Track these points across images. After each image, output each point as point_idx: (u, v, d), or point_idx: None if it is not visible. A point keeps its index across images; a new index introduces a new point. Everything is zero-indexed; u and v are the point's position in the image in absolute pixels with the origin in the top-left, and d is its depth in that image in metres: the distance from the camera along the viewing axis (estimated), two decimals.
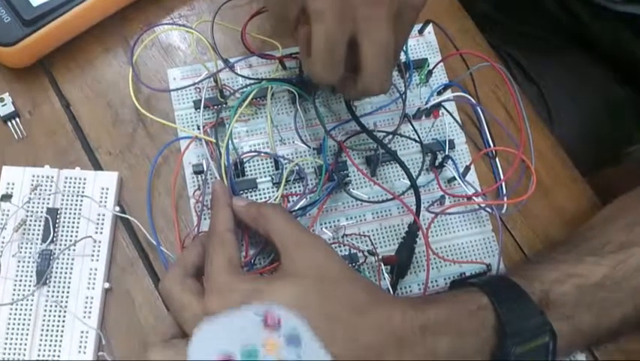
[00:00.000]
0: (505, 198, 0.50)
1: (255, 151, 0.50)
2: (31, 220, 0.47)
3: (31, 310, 0.45)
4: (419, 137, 0.51)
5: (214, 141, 0.48)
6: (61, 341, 0.44)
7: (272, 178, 0.49)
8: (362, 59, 0.40)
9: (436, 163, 0.50)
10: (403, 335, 0.37)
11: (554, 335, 0.38)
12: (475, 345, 0.38)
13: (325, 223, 0.49)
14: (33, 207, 0.47)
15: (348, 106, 0.49)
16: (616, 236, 0.43)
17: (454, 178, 0.50)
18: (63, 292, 0.45)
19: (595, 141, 0.67)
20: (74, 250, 0.46)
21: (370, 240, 0.48)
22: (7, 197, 0.47)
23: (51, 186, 0.48)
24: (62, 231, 0.47)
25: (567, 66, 0.69)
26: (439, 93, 0.53)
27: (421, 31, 0.54)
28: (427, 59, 0.53)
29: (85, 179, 0.48)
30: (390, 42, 0.40)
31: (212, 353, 0.31)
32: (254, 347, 0.32)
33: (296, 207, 0.47)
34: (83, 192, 0.48)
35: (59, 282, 0.46)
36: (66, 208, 0.47)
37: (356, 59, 0.40)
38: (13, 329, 0.44)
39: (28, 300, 0.45)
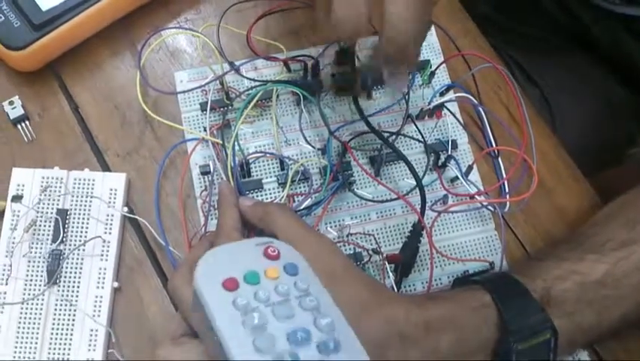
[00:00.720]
0: (508, 197, 0.50)
1: (260, 152, 0.51)
2: (41, 221, 0.47)
3: (41, 309, 0.46)
4: (423, 137, 0.51)
5: (220, 142, 0.49)
6: (71, 339, 0.45)
7: (277, 178, 0.50)
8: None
9: (439, 163, 0.51)
10: (407, 331, 0.38)
11: (555, 331, 0.39)
12: (477, 342, 0.39)
13: (330, 222, 0.49)
14: (43, 208, 0.48)
15: (356, 105, 0.49)
16: (617, 234, 0.43)
17: (456, 178, 0.51)
18: (73, 291, 0.46)
19: (596, 141, 0.68)
20: (84, 250, 0.47)
21: (375, 239, 0.49)
22: (17, 198, 0.48)
23: (60, 187, 0.48)
24: (72, 231, 0.48)
25: (568, 67, 0.70)
26: (442, 94, 0.53)
27: None
28: (429, 61, 0.54)
29: (94, 180, 0.49)
30: None
31: (218, 276, 0.33)
32: (256, 272, 0.34)
33: (301, 207, 0.48)
34: (92, 193, 0.49)
35: (69, 281, 0.46)
36: (75, 209, 0.48)
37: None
38: (23, 327, 0.45)
39: (38, 299, 0.46)
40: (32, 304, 0.46)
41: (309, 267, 0.36)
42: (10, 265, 0.46)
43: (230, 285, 0.33)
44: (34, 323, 0.45)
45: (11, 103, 0.51)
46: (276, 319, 0.32)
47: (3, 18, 0.50)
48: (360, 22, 0.38)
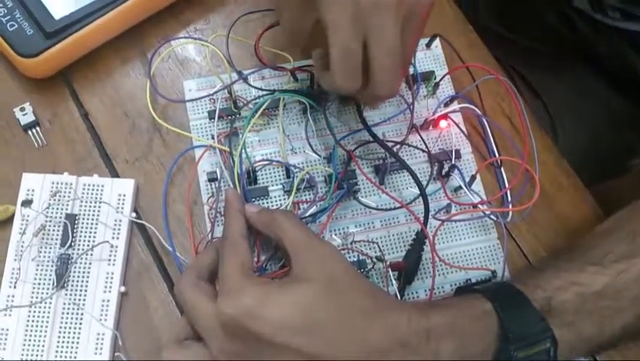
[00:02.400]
0: (510, 207, 0.51)
1: (267, 160, 0.51)
2: (50, 225, 0.48)
3: (49, 312, 0.46)
4: (427, 146, 0.52)
5: (228, 150, 0.50)
6: (78, 342, 0.46)
7: (283, 186, 0.51)
8: (371, 63, 0.41)
9: (443, 172, 0.51)
10: (409, 338, 0.38)
11: (555, 341, 0.39)
12: (478, 350, 0.39)
13: (335, 230, 0.50)
14: (52, 212, 0.48)
15: (360, 116, 0.50)
16: (618, 246, 0.44)
17: (460, 187, 0.51)
18: (80, 295, 0.47)
19: (598, 153, 0.68)
20: (92, 254, 0.48)
21: (379, 246, 0.49)
22: (27, 203, 0.49)
23: (70, 192, 0.49)
24: (80, 236, 0.48)
25: (570, 79, 0.70)
26: (446, 105, 0.54)
27: (428, 45, 0.56)
28: (434, 72, 0.54)
29: (102, 186, 0.50)
30: (398, 44, 0.41)
31: None
32: None
33: (306, 214, 0.48)
34: (100, 198, 0.49)
35: (77, 285, 0.47)
36: (84, 214, 0.49)
37: (366, 63, 0.42)
38: (31, 330, 0.46)
39: (46, 302, 0.46)
40: (40, 307, 0.46)
41: None
42: (19, 269, 0.47)
43: None
44: (41, 326, 0.46)
45: (22, 109, 0.52)
46: None
47: (16, 26, 0.51)
48: (355, 87, 0.43)
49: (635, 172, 0.69)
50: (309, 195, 0.50)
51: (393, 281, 0.47)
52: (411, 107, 0.52)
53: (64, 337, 0.46)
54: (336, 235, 0.50)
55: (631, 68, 0.67)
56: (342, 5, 0.40)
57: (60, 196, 0.49)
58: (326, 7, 0.40)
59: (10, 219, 0.49)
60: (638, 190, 0.49)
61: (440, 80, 0.54)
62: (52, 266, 0.47)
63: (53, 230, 0.48)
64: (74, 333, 0.46)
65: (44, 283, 0.47)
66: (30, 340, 0.46)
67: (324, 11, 0.40)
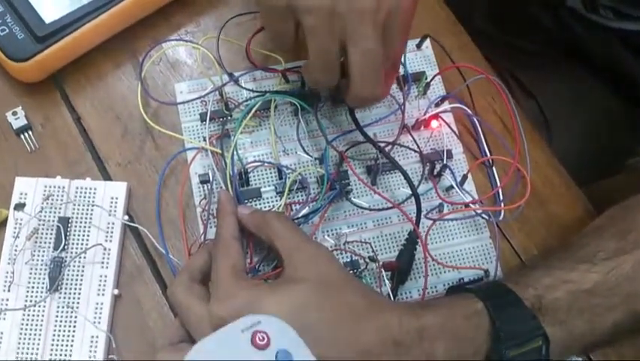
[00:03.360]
0: (502, 205, 0.51)
1: (259, 161, 0.52)
2: (43, 229, 0.48)
3: (43, 315, 0.46)
4: (418, 147, 0.52)
5: (220, 151, 0.50)
6: (72, 345, 0.46)
7: (275, 187, 0.51)
8: (350, 67, 0.43)
9: (435, 172, 0.52)
10: (401, 338, 0.38)
11: (547, 339, 0.39)
12: (470, 349, 0.39)
13: (327, 231, 0.50)
14: (45, 216, 0.49)
15: (352, 116, 0.50)
16: (608, 244, 0.44)
17: (451, 187, 0.51)
18: (74, 298, 0.47)
19: (592, 152, 0.68)
20: (85, 257, 0.48)
21: (371, 247, 0.49)
22: (20, 206, 0.49)
23: (62, 196, 0.49)
24: (73, 239, 0.48)
25: (564, 80, 0.71)
26: (437, 105, 0.54)
27: (419, 46, 0.56)
28: (424, 72, 0.55)
29: (95, 189, 0.50)
30: (376, 50, 0.42)
31: None
32: None
33: (299, 215, 0.48)
34: (93, 201, 0.49)
35: (70, 288, 0.47)
36: (77, 217, 0.49)
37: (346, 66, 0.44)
38: (25, 333, 0.46)
39: (40, 306, 0.46)
40: (34, 310, 0.46)
41: (304, 346, 0.34)
42: (13, 272, 0.47)
43: None
44: (35, 329, 0.46)
45: (14, 113, 0.52)
46: None
47: (7, 30, 0.51)
48: (332, 82, 0.45)
49: (629, 171, 0.69)
50: (302, 196, 0.51)
51: (386, 281, 0.47)
52: (402, 107, 0.53)
53: (58, 340, 0.46)
54: (328, 235, 0.50)
55: (624, 67, 0.67)
56: (319, 10, 0.41)
57: (53, 200, 0.49)
58: (304, 11, 0.42)
59: (3, 223, 0.49)
60: (631, 189, 0.49)
61: (431, 80, 0.54)
62: (45, 269, 0.47)
63: (46, 233, 0.48)
64: (68, 336, 0.46)
65: (38, 287, 0.47)
66: (24, 343, 0.46)
67: (302, 16, 0.42)
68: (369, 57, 0.42)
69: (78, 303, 0.47)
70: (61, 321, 0.46)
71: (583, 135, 0.69)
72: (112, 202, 0.49)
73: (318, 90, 0.52)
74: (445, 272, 0.50)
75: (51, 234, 0.48)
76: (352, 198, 0.51)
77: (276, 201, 0.51)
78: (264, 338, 0.33)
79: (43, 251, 0.48)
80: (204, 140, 0.51)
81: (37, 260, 0.47)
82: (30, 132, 0.52)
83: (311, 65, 0.44)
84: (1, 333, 0.46)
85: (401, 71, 0.54)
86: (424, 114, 0.53)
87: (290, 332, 0.35)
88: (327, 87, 0.46)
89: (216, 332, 0.35)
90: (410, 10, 0.43)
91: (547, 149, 0.55)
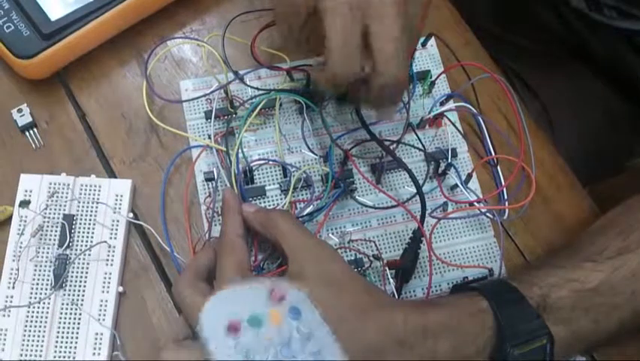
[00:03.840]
0: (507, 204, 0.51)
1: (263, 159, 0.52)
2: (48, 226, 0.48)
3: (47, 312, 0.46)
4: (423, 145, 0.52)
5: (224, 149, 0.50)
6: (76, 342, 0.46)
7: (280, 185, 0.51)
8: (375, 48, 0.41)
9: (439, 171, 0.52)
10: (405, 336, 0.38)
11: (552, 337, 0.39)
12: (474, 347, 0.40)
13: (332, 229, 0.50)
14: (50, 213, 0.49)
15: (358, 114, 0.50)
16: (613, 243, 0.44)
17: (456, 185, 0.51)
18: (78, 295, 0.47)
19: (595, 152, 0.68)
20: (89, 254, 0.48)
21: (375, 245, 0.49)
22: (25, 203, 0.49)
23: (67, 193, 0.49)
24: (78, 236, 0.48)
25: (568, 79, 0.70)
26: (442, 103, 0.54)
27: (424, 44, 0.56)
28: (429, 71, 0.55)
29: (100, 186, 0.50)
30: (401, 28, 0.41)
31: (222, 319, 0.34)
32: (260, 315, 0.34)
33: (303, 214, 0.49)
34: (98, 199, 0.49)
35: (75, 285, 0.47)
36: (82, 214, 0.49)
37: (369, 54, 0.42)
38: (30, 330, 0.46)
39: (44, 303, 0.47)
40: (38, 307, 0.47)
41: (314, 309, 0.36)
42: (18, 269, 0.47)
43: (234, 328, 0.34)
44: (40, 326, 0.46)
45: (20, 110, 0.52)
46: None
47: (13, 27, 0.51)
48: (353, 72, 0.42)
49: (633, 171, 0.69)
50: (306, 194, 0.51)
51: (391, 280, 0.47)
52: (407, 106, 0.53)
53: (62, 337, 0.46)
54: (333, 233, 0.50)
55: (628, 67, 0.67)
56: None
57: (58, 197, 0.49)
58: None
59: (8, 220, 0.49)
60: (635, 188, 0.49)
61: (436, 79, 0.54)
62: (50, 266, 0.47)
63: (51, 231, 0.48)
64: (73, 333, 0.46)
65: (42, 284, 0.47)
66: (28, 340, 0.46)
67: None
68: (394, 36, 0.41)
69: (82, 300, 0.47)
70: (65, 318, 0.46)
71: (586, 135, 0.69)
72: (117, 200, 0.50)
73: (325, 93, 0.52)
74: (449, 271, 0.50)
75: (56, 231, 0.48)
76: (357, 197, 0.51)
77: (281, 199, 0.51)
78: (280, 294, 0.36)
79: (48, 248, 0.48)
80: (209, 138, 0.51)
81: (42, 257, 0.48)
82: (35, 129, 0.52)
83: (331, 51, 0.41)
84: (6, 330, 0.46)
85: None
86: (429, 113, 0.53)
87: (302, 295, 0.37)
88: (344, 82, 0.43)
89: (240, 284, 0.38)
90: None
91: (551, 148, 0.55)
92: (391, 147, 0.51)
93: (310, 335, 0.34)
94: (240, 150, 0.50)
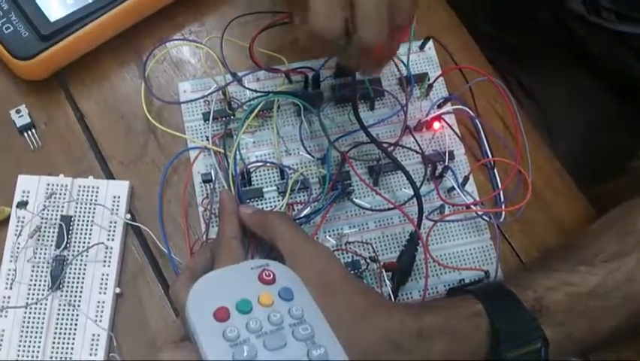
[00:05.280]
0: (503, 207, 0.51)
1: (261, 161, 0.52)
2: (45, 227, 0.48)
3: (44, 313, 0.47)
4: (420, 148, 0.52)
5: (222, 151, 0.50)
6: (73, 343, 0.46)
7: (277, 187, 0.51)
8: (355, 3, 0.40)
9: (436, 173, 0.52)
10: (400, 339, 0.38)
11: (546, 341, 0.39)
12: (469, 349, 0.40)
13: (329, 231, 0.50)
14: (48, 214, 0.49)
15: (356, 116, 0.50)
16: (608, 246, 0.44)
17: (453, 188, 0.51)
18: (76, 296, 0.47)
19: (594, 155, 0.68)
20: (87, 255, 0.48)
21: (372, 247, 0.49)
22: (22, 204, 0.49)
23: (65, 194, 0.49)
24: (75, 237, 0.49)
25: (565, 82, 0.70)
26: (439, 106, 0.54)
27: (421, 47, 0.56)
28: (427, 74, 0.55)
29: (98, 188, 0.50)
30: None
31: (209, 306, 0.33)
32: (248, 300, 0.33)
33: (300, 215, 0.49)
34: (95, 200, 0.49)
35: (72, 286, 0.47)
36: (79, 216, 0.49)
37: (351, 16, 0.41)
38: (27, 330, 0.46)
39: (42, 303, 0.47)
40: (36, 308, 0.47)
41: (306, 291, 0.35)
42: (15, 270, 0.47)
43: (222, 315, 0.33)
44: (37, 327, 0.46)
45: (18, 111, 0.52)
46: (266, 349, 0.32)
47: (12, 28, 0.51)
48: (336, 27, 0.41)
49: (630, 174, 0.69)
50: (304, 196, 0.51)
51: (387, 282, 0.48)
52: (404, 108, 0.53)
53: (59, 338, 0.46)
54: (330, 235, 0.50)
55: (626, 69, 0.67)
56: None
57: (55, 198, 0.49)
58: None
59: (5, 221, 0.49)
60: (633, 192, 0.49)
61: (433, 81, 0.54)
62: (47, 267, 0.47)
63: (49, 232, 0.48)
64: (70, 334, 0.46)
65: (40, 285, 0.47)
66: (26, 341, 0.46)
67: None
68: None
69: (80, 301, 0.47)
70: (62, 319, 0.47)
71: (583, 137, 0.69)
72: (114, 201, 0.50)
73: (316, 49, 0.50)
74: (445, 273, 0.50)
75: (53, 232, 0.48)
76: (354, 199, 0.51)
77: (278, 201, 0.51)
78: (270, 275, 0.35)
79: (46, 249, 0.48)
80: (207, 139, 0.51)
81: (40, 258, 0.48)
82: (33, 130, 0.53)
83: (313, 5, 0.40)
84: (3, 331, 0.46)
85: (404, 71, 0.54)
86: (427, 115, 0.53)
87: (294, 276, 0.36)
88: (327, 38, 0.41)
89: (228, 266, 0.37)
90: None
91: (548, 151, 0.55)
92: (389, 149, 0.51)
93: (302, 317, 0.33)
94: (237, 152, 0.50)
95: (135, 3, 0.53)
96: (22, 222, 0.48)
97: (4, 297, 0.47)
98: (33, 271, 0.47)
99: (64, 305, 0.47)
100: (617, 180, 0.67)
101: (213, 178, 0.50)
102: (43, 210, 0.49)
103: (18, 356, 0.46)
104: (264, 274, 0.35)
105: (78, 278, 0.48)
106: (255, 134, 0.53)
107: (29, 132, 0.52)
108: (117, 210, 0.49)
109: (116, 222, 0.49)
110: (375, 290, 0.46)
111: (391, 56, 0.48)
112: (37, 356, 0.46)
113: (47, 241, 0.48)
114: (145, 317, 0.48)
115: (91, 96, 0.54)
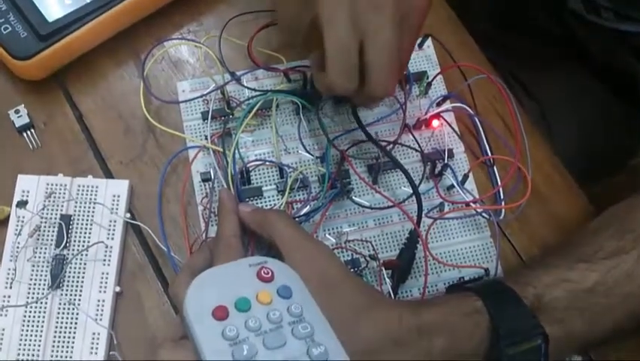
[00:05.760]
0: (503, 204, 0.51)
1: (260, 160, 0.52)
2: (45, 226, 0.48)
3: (44, 312, 0.47)
4: (419, 146, 0.52)
5: (221, 150, 0.50)
6: (73, 342, 0.46)
7: (277, 186, 0.51)
8: (367, 62, 0.42)
9: (436, 171, 0.52)
10: (400, 336, 0.38)
11: (546, 337, 0.39)
12: (469, 346, 0.40)
13: (328, 229, 0.50)
14: (47, 213, 0.49)
15: (355, 115, 0.50)
16: (607, 243, 0.44)
17: (452, 186, 0.51)
18: (76, 295, 0.47)
19: (593, 153, 0.68)
20: (87, 254, 0.48)
21: (372, 245, 0.49)
22: (22, 204, 0.49)
23: (64, 193, 0.49)
24: (75, 236, 0.49)
25: (565, 80, 0.71)
26: (438, 104, 0.54)
27: (420, 45, 0.56)
28: (426, 72, 0.55)
29: (97, 187, 0.50)
30: (394, 45, 0.41)
31: (207, 304, 0.32)
32: (246, 298, 0.33)
33: (300, 214, 0.49)
34: (95, 199, 0.50)
35: (72, 285, 0.47)
36: (79, 215, 0.49)
37: (362, 65, 0.42)
38: (27, 330, 0.46)
39: (41, 302, 0.47)
40: (36, 307, 0.47)
41: (305, 288, 0.35)
42: (15, 269, 0.47)
43: (220, 314, 0.32)
44: (37, 326, 0.46)
45: (17, 111, 0.52)
46: (266, 348, 0.31)
47: (10, 28, 0.51)
48: (351, 85, 0.43)
49: (629, 172, 0.69)
50: (303, 194, 0.51)
51: (387, 280, 0.47)
52: (403, 106, 0.53)
53: (59, 337, 0.46)
54: (329, 234, 0.50)
55: (625, 68, 0.68)
56: (339, 3, 0.40)
57: (55, 197, 0.49)
58: (323, 4, 0.41)
59: (5, 221, 0.49)
60: (632, 189, 0.49)
61: (432, 79, 0.54)
62: (47, 267, 0.47)
63: (48, 231, 0.48)
64: (70, 333, 0.46)
65: (40, 284, 0.47)
66: (26, 340, 0.46)
67: (320, 8, 0.41)
68: (388, 54, 0.41)
69: (80, 300, 0.47)
70: (62, 318, 0.47)
71: (583, 135, 0.69)
72: (114, 200, 0.50)
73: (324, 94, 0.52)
74: (445, 271, 0.50)
75: (53, 231, 0.48)
76: (353, 197, 0.51)
77: (278, 199, 0.51)
78: (268, 273, 0.35)
79: (45, 248, 0.48)
80: (206, 138, 0.51)
81: (39, 257, 0.48)
82: (32, 130, 0.53)
83: (330, 64, 0.42)
84: (3, 330, 0.46)
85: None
86: (426, 114, 0.53)
87: (293, 274, 0.36)
88: (341, 93, 0.44)
89: (226, 263, 0.37)
90: (425, 9, 0.43)
91: (548, 148, 0.55)
92: (388, 148, 0.51)
93: (301, 315, 0.33)
94: (236, 151, 0.50)
95: (133, 3, 0.53)
96: (22, 221, 0.48)
97: (4, 296, 0.47)
98: (33, 270, 0.47)
99: (64, 304, 0.47)
100: (616, 178, 0.67)
101: (212, 177, 0.50)
102: (43, 209, 0.49)
103: (18, 355, 0.46)
104: (262, 272, 0.35)
105: (78, 277, 0.48)
106: (254, 133, 0.53)
107: (28, 132, 0.52)
108: (117, 209, 0.49)
109: (115, 221, 0.49)
110: (375, 288, 0.46)
111: (390, 95, 0.52)
112: (37, 355, 0.46)
113: (47, 240, 0.48)
114: (145, 315, 0.48)
115: (90, 96, 0.54)
